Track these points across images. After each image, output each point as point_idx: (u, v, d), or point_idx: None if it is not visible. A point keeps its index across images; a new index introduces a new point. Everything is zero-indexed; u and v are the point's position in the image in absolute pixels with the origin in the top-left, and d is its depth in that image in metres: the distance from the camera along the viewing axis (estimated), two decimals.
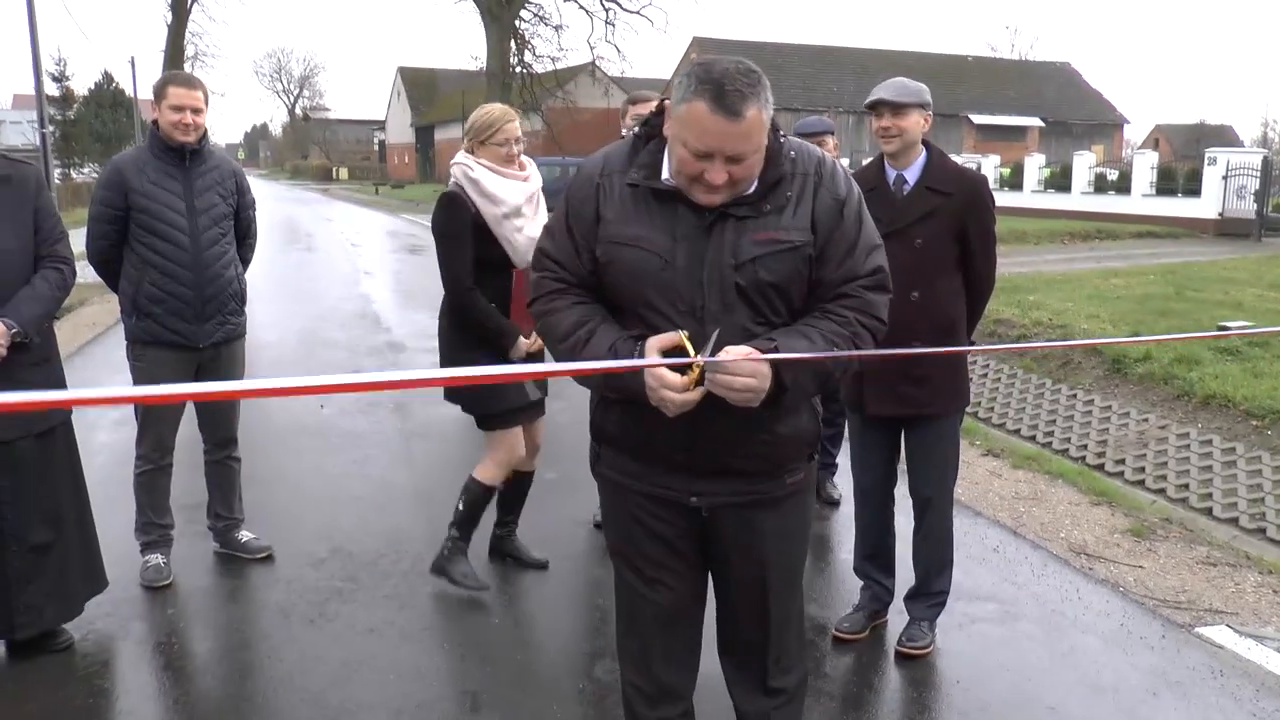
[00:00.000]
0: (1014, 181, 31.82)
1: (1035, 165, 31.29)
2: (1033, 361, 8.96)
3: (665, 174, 2.24)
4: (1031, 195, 30.30)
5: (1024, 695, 3.58)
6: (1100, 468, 6.98)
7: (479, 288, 4.02)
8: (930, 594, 3.91)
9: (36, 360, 3.59)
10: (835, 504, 5.48)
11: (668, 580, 2.49)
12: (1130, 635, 4.04)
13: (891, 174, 3.70)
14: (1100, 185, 29.28)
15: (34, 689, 3.53)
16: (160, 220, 4.15)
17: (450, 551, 4.33)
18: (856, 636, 3.97)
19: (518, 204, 4.01)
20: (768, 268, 2.23)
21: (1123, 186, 28.30)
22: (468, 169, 4.03)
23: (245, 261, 4.60)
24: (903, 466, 3.97)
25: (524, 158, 4.17)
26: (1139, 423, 7.39)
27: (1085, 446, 7.39)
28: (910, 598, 3.97)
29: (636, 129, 2.34)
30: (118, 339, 4.68)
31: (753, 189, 2.22)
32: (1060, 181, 30.23)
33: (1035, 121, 48.74)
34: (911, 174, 3.67)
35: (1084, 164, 29.52)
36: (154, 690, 3.58)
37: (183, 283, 4.20)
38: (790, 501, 2.46)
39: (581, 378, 2.37)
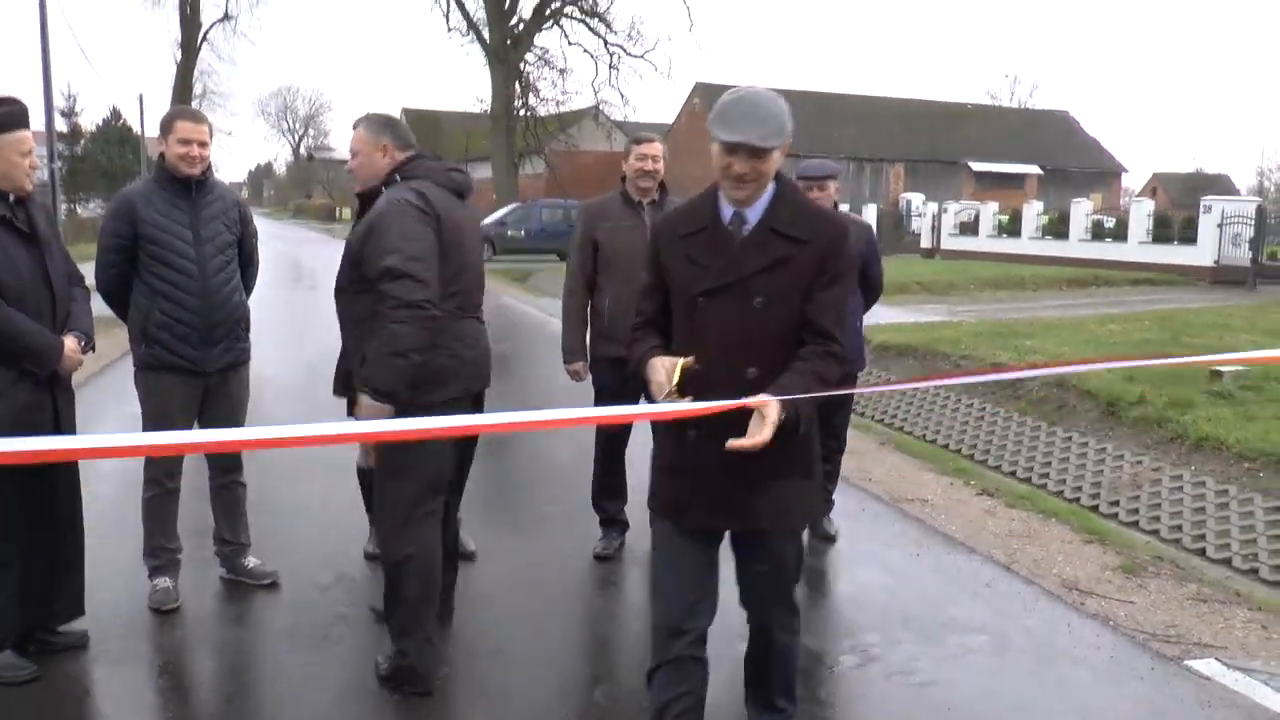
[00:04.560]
0: (1012, 228, 32.15)
1: (1033, 212, 31.59)
2: (1027, 404, 9.05)
3: None
4: (1030, 242, 30.56)
5: None
6: (1095, 509, 7.05)
7: None
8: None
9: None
10: (832, 539, 5.56)
11: None
12: (1120, 667, 4.11)
13: (727, 211, 2.81)
14: (1098, 232, 29.54)
15: (41, 707, 3.61)
16: (168, 249, 4.29)
17: None
18: None
19: None
20: None
21: (1120, 234, 28.56)
22: None
23: (248, 289, 4.73)
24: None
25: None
26: (1133, 465, 7.48)
27: (1079, 488, 7.47)
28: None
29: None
30: (125, 369, 4.80)
31: None
32: (1058, 228, 30.50)
33: (1034, 169, 49.17)
34: (754, 212, 2.79)
35: (1081, 211, 29.81)
36: (160, 709, 3.66)
37: (190, 309, 4.33)
38: None
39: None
